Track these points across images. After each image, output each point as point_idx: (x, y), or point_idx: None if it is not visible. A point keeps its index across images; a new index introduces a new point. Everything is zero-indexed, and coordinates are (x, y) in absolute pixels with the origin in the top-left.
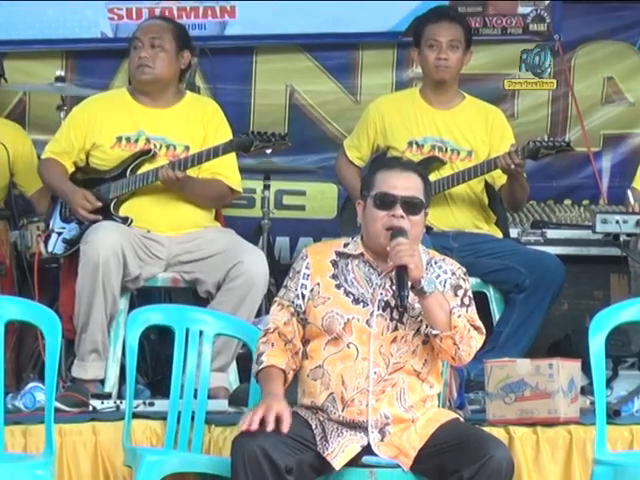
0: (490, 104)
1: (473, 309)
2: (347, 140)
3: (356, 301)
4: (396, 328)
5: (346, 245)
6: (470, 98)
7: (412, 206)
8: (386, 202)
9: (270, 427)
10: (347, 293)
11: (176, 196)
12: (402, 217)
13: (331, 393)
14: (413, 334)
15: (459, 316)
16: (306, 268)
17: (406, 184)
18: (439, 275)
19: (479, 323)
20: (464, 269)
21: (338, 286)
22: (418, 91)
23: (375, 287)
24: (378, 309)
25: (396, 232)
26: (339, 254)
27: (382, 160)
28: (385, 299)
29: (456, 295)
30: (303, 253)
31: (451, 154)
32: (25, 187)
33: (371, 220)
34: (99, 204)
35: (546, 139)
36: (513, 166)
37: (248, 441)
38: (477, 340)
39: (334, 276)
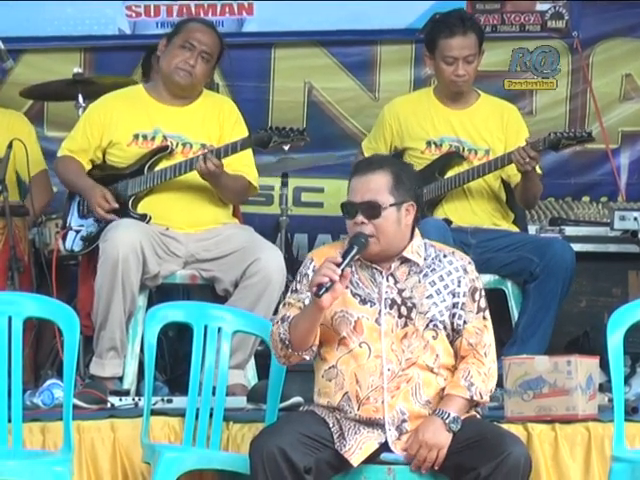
0: (505, 101)
1: (487, 312)
2: (365, 142)
3: (363, 301)
4: (406, 324)
5: None
6: (485, 95)
7: (370, 210)
8: (348, 211)
9: None
10: (354, 294)
11: (194, 193)
12: (364, 223)
13: (346, 392)
14: (423, 329)
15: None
16: (312, 271)
17: (365, 188)
18: (450, 272)
19: (485, 343)
20: (471, 261)
21: (345, 287)
22: (432, 91)
23: (380, 286)
24: (385, 307)
25: (355, 236)
26: None
27: (353, 167)
28: (391, 297)
29: (474, 300)
30: (308, 258)
31: (468, 154)
32: (23, 174)
33: (347, 228)
34: (116, 205)
35: (567, 130)
36: (528, 159)
37: (266, 442)
38: (491, 371)
39: None
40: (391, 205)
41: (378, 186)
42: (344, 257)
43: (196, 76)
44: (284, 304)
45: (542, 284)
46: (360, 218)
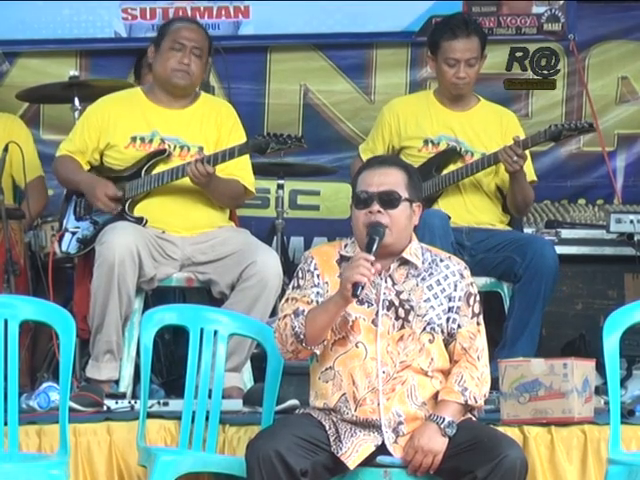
0: (504, 107)
1: (481, 317)
2: (362, 144)
3: (360, 302)
4: (402, 327)
5: (346, 246)
6: (484, 101)
7: (389, 200)
8: (363, 200)
9: None
10: None
11: (190, 196)
12: (380, 212)
13: (343, 394)
14: (420, 332)
15: (471, 400)
16: (315, 268)
17: (382, 180)
18: (447, 276)
19: (477, 347)
20: (467, 266)
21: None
22: (432, 93)
23: (378, 287)
24: (383, 308)
25: (373, 226)
26: (342, 255)
27: (365, 162)
28: (389, 298)
29: (468, 305)
30: (307, 255)
31: (464, 155)
32: (19, 178)
33: (354, 221)
34: (119, 193)
35: (568, 122)
36: (515, 157)
37: (263, 444)
38: (484, 375)
39: (341, 276)
40: (406, 199)
41: (395, 179)
42: (369, 250)
43: (193, 74)
44: (287, 299)
45: (525, 285)
46: (377, 207)
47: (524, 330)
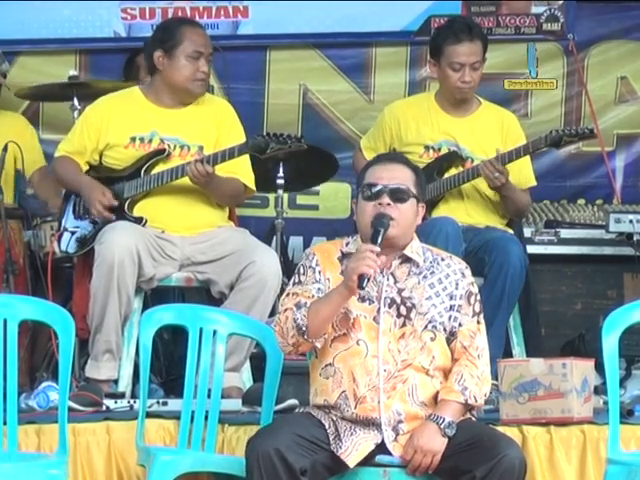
0: (505, 108)
1: (482, 316)
2: (364, 140)
3: (362, 299)
4: (404, 324)
5: (347, 244)
6: (485, 103)
7: (399, 194)
8: (372, 192)
9: None
10: None
11: (190, 196)
12: (389, 205)
13: (343, 391)
14: (421, 330)
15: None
16: (316, 265)
17: (392, 174)
18: (448, 275)
19: (478, 346)
20: (468, 266)
21: None
22: (434, 97)
23: (380, 284)
24: (384, 306)
25: (377, 218)
26: (343, 253)
27: (374, 158)
28: (391, 296)
29: (469, 303)
30: (309, 252)
31: (465, 161)
32: (25, 168)
33: (361, 213)
34: (115, 203)
35: (568, 127)
36: (497, 174)
37: (263, 442)
38: (484, 374)
39: (342, 273)
40: (414, 196)
41: (405, 175)
42: (374, 242)
43: (208, 80)
44: (288, 294)
45: (490, 283)
46: (387, 200)
47: (488, 330)
